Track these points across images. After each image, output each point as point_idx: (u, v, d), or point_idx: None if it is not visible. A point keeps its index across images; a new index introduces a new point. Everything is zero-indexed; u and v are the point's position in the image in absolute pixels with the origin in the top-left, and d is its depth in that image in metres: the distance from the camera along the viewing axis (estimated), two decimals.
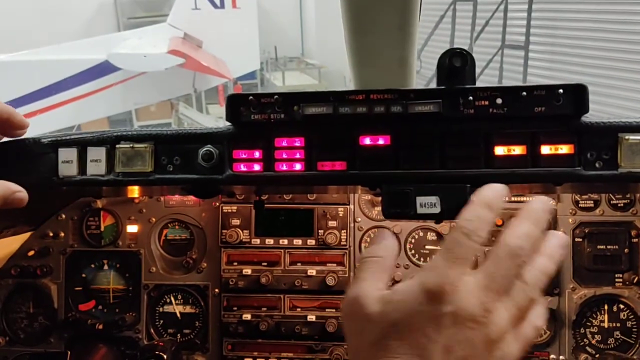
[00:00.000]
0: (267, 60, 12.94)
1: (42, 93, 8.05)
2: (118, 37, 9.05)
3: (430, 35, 9.78)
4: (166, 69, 8.43)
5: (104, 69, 8.34)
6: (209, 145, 1.16)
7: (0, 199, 1.08)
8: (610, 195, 1.74)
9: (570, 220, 1.75)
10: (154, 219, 1.89)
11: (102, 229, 1.89)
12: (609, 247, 1.74)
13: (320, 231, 1.82)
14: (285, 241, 1.83)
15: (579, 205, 1.76)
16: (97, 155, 1.19)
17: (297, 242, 1.83)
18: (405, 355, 0.72)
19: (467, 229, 0.78)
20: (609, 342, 1.74)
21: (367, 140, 1.13)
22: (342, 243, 1.82)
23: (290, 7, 14.01)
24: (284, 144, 1.15)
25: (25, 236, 1.86)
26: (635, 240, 1.73)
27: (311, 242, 1.83)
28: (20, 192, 1.11)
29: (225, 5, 9.20)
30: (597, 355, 1.72)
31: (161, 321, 1.89)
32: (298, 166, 1.15)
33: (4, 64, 7.94)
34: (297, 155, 1.15)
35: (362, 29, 1.44)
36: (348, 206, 1.84)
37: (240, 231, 1.83)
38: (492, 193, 0.85)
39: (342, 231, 1.82)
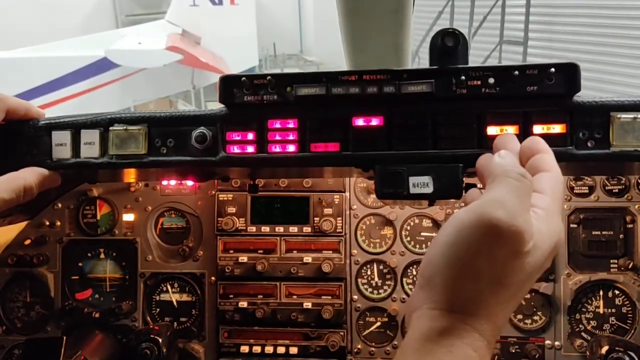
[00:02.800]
0: (265, 58, 12.94)
1: (40, 90, 8.07)
2: (116, 34, 9.05)
3: (429, 31, 9.77)
4: (165, 66, 8.44)
5: (103, 65, 8.35)
6: (202, 127, 1.17)
7: (38, 185, 1.13)
8: (605, 181, 1.74)
9: (565, 206, 1.76)
10: (150, 208, 1.89)
11: (99, 217, 1.90)
12: (604, 233, 1.75)
13: (315, 218, 1.82)
14: (281, 229, 1.83)
15: (574, 191, 1.76)
16: (90, 138, 1.20)
17: (293, 229, 1.83)
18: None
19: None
20: (604, 327, 1.74)
21: (360, 121, 1.13)
22: (337, 230, 1.82)
23: (289, 4, 14.00)
24: (277, 125, 1.16)
25: (21, 225, 1.87)
26: (630, 226, 1.74)
27: (307, 229, 1.83)
28: (54, 174, 1.21)
29: (223, 2, 9.20)
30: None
31: (158, 309, 1.89)
32: (291, 148, 1.15)
33: (2, 61, 7.94)
34: (290, 137, 1.15)
35: (356, 12, 1.44)
36: (344, 194, 1.84)
37: (236, 219, 1.83)
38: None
39: (338, 218, 1.82)
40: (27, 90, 7.88)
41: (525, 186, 0.77)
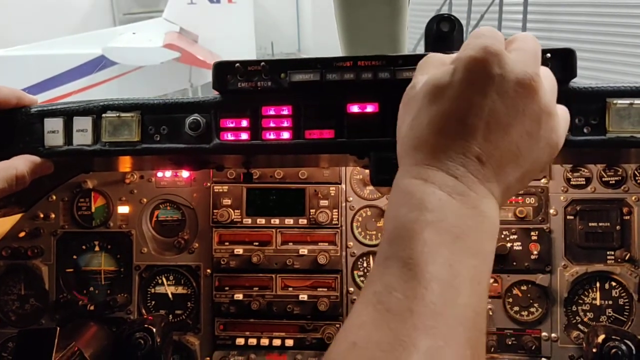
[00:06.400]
0: (263, 56, 12.91)
1: (38, 88, 8.03)
2: (113, 32, 9.03)
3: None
4: (162, 64, 8.42)
5: (100, 63, 8.32)
6: (196, 114, 1.16)
7: (30, 173, 1.13)
8: (602, 172, 1.73)
9: (562, 197, 1.75)
10: (145, 200, 1.88)
11: (93, 210, 1.88)
12: (600, 224, 1.74)
13: (311, 210, 1.82)
14: (277, 220, 1.83)
15: (571, 182, 1.75)
16: (83, 125, 1.19)
17: (289, 221, 1.82)
18: (448, 122, 0.71)
19: (482, 29, 0.78)
20: (601, 319, 1.74)
21: (355, 108, 1.13)
22: (333, 222, 1.81)
23: (287, 3, 13.99)
24: (272, 112, 1.15)
25: (15, 218, 1.85)
26: (626, 217, 1.73)
27: (303, 221, 1.82)
28: (47, 162, 1.20)
29: (220, 0, 9.19)
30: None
31: (153, 302, 1.88)
32: (286, 135, 1.15)
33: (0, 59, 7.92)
34: (285, 124, 1.15)
35: (352, 2, 1.44)
36: (340, 185, 1.83)
37: (232, 211, 1.83)
38: None
39: (334, 210, 1.82)
40: (23, 89, 7.83)
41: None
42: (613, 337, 1.45)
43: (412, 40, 9.65)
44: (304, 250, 1.81)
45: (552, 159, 0.78)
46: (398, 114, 0.82)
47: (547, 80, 0.77)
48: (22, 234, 1.85)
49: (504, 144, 0.71)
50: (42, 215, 1.86)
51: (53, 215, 1.87)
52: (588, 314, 1.75)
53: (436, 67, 0.80)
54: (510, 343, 1.76)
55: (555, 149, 0.77)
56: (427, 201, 0.67)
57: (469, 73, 0.72)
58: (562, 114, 0.81)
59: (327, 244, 1.82)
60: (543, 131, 0.74)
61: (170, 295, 1.88)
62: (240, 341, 1.82)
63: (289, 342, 1.80)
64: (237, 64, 1.13)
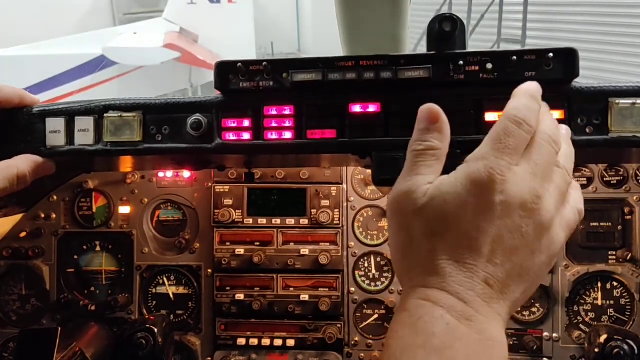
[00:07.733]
0: (263, 56, 12.92)
1: (37, 88, 8.03)
2: (114, 32, 9.02)
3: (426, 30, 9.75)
4: (162, 64, 8.42)
5: (100, 63, 8.32)
6: (198, 114, 1.16)
7: (32, 172, 1.13)
8: (603, 172, 1.73)
9: None
10: (146, 200, 1.88)
11: (94, 210, 1.88)
12: (602, 224, 1.74)
13: (313, 210, 1.82)
14: (278, 221, 1.82)
15: None
16: (85, 125, 1.19)
17: (290, 221, 1.82)
18: (455, 247, 0.72)
19: (517, 118, 0.77)
20: (602, 319, 1.73)
21: (357, 108, 1.13)
22: (335, 222, 1.81)
23: (287, 3, 13.99)
24: (274, 112, 1.15)
25: (17, 218, 1.85)
26: (628, 217, 1.73)
27: (304, 221, 1.82)
28: (48, 162, 1.19)
29: (221, 0, 9.19)
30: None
31: (154, 302, 1.88)
32: (288, 135, 1.15)
33: None
34: (287, 124, 1.15)
35: (353, 2, 1.44)
36: (341, 185, 1.83)
37: (233, 211, 1.82)
38: (534, 86, 0.85)
39: (335, 210, 1.81)
40: (24, 89, 7.82)
41: (433, 156, 0.87)
42: (615, 337, 1.45)
43: (412, 40, 9.64)
44: (305, 250, 1.80)
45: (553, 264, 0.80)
46: (387, 218, 0.82)
47: (554, 186, 0.77)
48: (23, 234, 1.85)
49: (509, 264, 0.72)
50: (43, 216, 1.85)
51: (54, 216, 1.86)
52: (590, 314, 1.75)
53: (434, 169, 0.82)
54: (511, 343, 1.76)
55: (555, 256, 0.78)
56: (434, 325, 0.67)
57: (470, 199, 0.73)
58: (574, 201, 0.82)
59: (328, 244, 1.82)
60: (544, 246, 0.75)
61: (171, 296, 1.88)
62: (241, 341, 1.81)
63: (290, 342, 1.80)
64: (239, 64, 1.13)
